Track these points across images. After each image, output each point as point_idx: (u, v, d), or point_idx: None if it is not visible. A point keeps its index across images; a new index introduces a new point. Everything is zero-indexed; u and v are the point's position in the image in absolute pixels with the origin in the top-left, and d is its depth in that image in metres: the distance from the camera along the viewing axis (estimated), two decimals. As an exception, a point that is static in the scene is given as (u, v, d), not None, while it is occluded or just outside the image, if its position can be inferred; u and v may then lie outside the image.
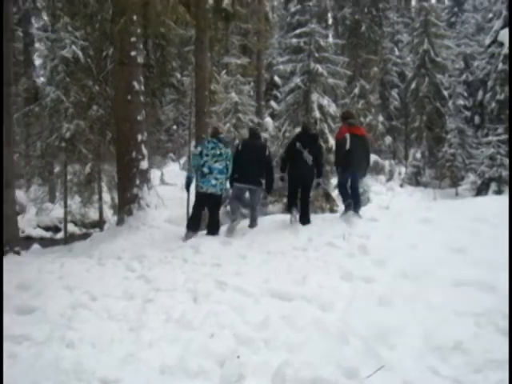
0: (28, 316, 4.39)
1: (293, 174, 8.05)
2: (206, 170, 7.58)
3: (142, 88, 8.82)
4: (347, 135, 7.68)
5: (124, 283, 5.43)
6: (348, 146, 7.64)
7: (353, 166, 7.79)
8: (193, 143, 15.25)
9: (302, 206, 8.00)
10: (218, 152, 7.64)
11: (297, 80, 15.38)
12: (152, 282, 5.42)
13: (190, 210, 7.99)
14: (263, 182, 8.01)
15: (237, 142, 8.64)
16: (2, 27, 6.60)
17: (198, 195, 7.73)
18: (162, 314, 4.48)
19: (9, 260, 6.51)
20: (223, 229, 8.10)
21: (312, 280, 5.12)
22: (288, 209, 8.23)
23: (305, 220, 7.83)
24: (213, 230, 7.76)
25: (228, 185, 8.00)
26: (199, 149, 7.77)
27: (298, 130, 13.54)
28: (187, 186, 7.95)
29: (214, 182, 7.60)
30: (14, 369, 3.47)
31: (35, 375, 3.38)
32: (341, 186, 8.08)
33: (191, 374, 3.43)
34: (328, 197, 15.43)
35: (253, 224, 8.17)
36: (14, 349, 3.73)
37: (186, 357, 3.64)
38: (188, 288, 5.14)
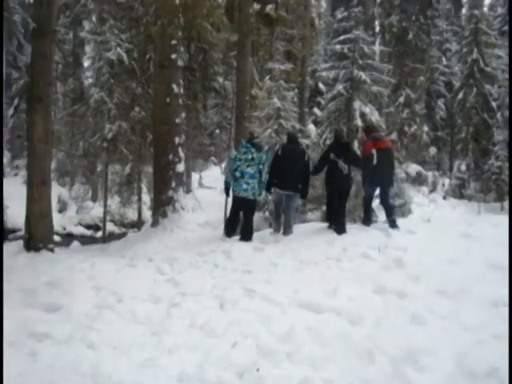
0: (53, 314, 4.41)
1: (330, 184, 8.10)
2: (238, 174, 7.68)
3: (182, 91, 8.84)
4: (374, 151, 7.81)
5: (152, 286, 5.42)
6: (375, 161, 7.75)
7: (380, 179, 7.94)
8: (233, 148, 15.28)
9: (337, 215, 7.94)
10: (250, 156, 7.68)
11: (339, 87, 15.10)
12: (180, 285, 5.39)
13: (228, 214, 8.12)
14: (301, 187, 8.00)
15: (277, 147, 8.72)
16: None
17: (234, 199, 7.86)
18: (186, 319, 4.42)
19: (42, 257, 6.61)
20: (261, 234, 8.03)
21: (343, 292, 4.97)
22: (327, 219, 8.30)
23: (340, 229, 7.72)
24: (246, 235, 7.74)
25: (263, 190, 8.02)
26: (234, 153, 7.90)
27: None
28: (226, 190, 8.03)
29: (245, 186, 7.66)
30: (33, 367, 3.45)
31: (53, 375, 3.36)
32: (367, 200, 8.23)
33: (209, 385, 3.33)
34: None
35: (287, 231, 8.07)
36: (36, 347, 3.73)
37: (205, 366, 3.54)
38: (215, 294, 5.07)
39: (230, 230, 7.83)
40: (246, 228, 7.84)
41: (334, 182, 7.99)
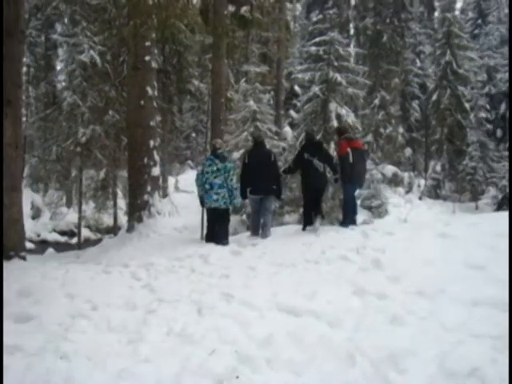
0: (24, 324, 4.26)
1: (306, 184, 8.21)
2: (207, 186, 7.93)
3: (156, 93, 8.75)
4: (349, 150, 8.03)
5: (128, 292, 5.30)
6: (351, 160, 7.99)
7: (357, 178, 8.22)
8: (209, 151, 15.16)
9: (314, 211, 8.10)
10: (215, 168, 7.92)
11: (315, 89, 15.15)
12: (157, 291, 5.30)
13: (206, 222, 8.25)
14: (275, 188, 8.20)
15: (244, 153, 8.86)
16: (1, 27, 6.53)
17: (207, 211, 8.11)
18: (163, 327, 4.32)
19: (13, 265, 6.41)
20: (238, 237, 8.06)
21: (322, 295, 4.92)
22: (304, 220, 8.33)
23: (316, 221, 7.96)
24: (221, 240, 7.75)
25: (238, 197, 8.24)
26: (200, 168, 8.20)
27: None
28: (201, 203, 8.22)
29: (215, 196, 7.89)
30: (4, 381, 3.31)
31: (24, 389, 3.22)
32: (352, 200, 8.37)
33: (187, 394, 3.24)
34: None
35: (265, 232, 8.10)
36: (6, 360, 3.58)
37: (183, 374, 3.45)
38: (193, 299, 4.99)
39: (210, 240, 7.90)
40: (221, 234, 7.90)
41: (310, 181, 8.13)
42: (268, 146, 9.21)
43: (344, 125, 9.88)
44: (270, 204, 8.33)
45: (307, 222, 8.18)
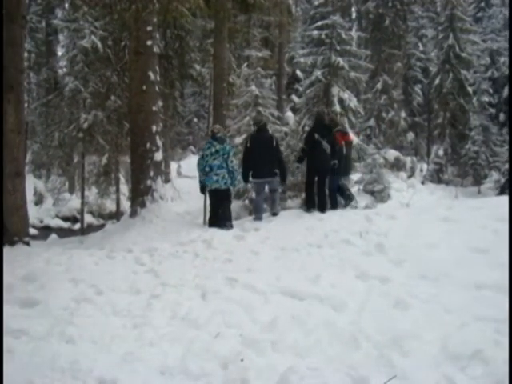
0: (30, 309, 4.27)
1: (313, 164, 8.27)
2: (207, 168, 7.99)
3: (158, 78, 8.68)
4: (343, 143, 8.56)
5: (132, 277, 5.30)
6: (344, 152, 8.55)
7: (349, 170, 8.85)
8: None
9: (320, 195, 8.24)
10: (214, 150, 7.96)
11: (317, 73, 15.05)
12: (161, 276, 5.30)
13: (208, 208, 8.22)
14: (278, 171, 8.30)
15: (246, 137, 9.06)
16: (2, 12, 6.48)
17: (209, 193, 8.10)
18: (167, 311, 4.34)
19: (18, 251, 6.42)
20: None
21: (325, 279, 4.95)
22: (307, 203, 8.40)
23: (323, 207, 8.10)
24: (225, 223, 7.78)
25: (239, 179, 8.43)
26: (200, 153, 8.33)
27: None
28: (202, 190, 8.24)
29: (215, 177, 7.93)
30: (10, 365, 3.32)
31: (30, 372, 3.25)
32: (335, 191, 8.56)
33: (192, 377, 3.26)
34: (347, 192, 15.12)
35: (274, 207, 8.47)
36: (12, 344, 3.60)
37: (187, 357, 3.47)
38: (197, 284, 5.01)
39: (213, 224, 7.86)
40: (224, 216, 7.92)
41: (316, 162, 8.17)
42: (270, 131, 9.27)
43: (335, 118, 10.00)
44: (276, 185, 8.51)
45: (311, 203, 8.23)
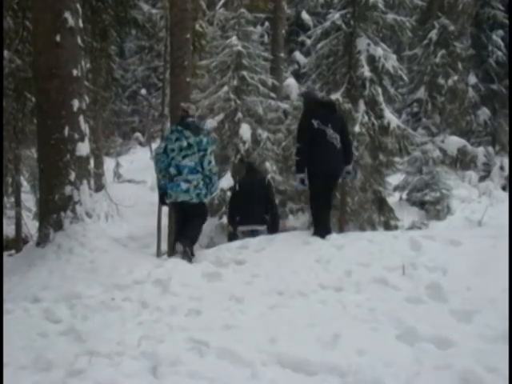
0: None
1: (317, 167, 8.12)
2: (172, 170, 8.02)
3: (81, 24, 8.45)
4: None
5: (38, 343, 5.22)
6: None
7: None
8: (169, 120, 14.91)
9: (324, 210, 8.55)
10: (185, 143, 7.98)
11: (335, 16, 14.92)
12: (86, 340, 5.26)
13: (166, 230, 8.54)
14: (268, 219, 10.01)
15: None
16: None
17: (173, 208, 8.46)
18: (94, 401, 4.28)
19: None
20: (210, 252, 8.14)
21: (349, 341, 4.94)
22: (316, 225, 8.40)
23: (322, 231, 8.05)
24: (184, 241, 7.81)
25: (217, 186, 8.70)
26: (163, 145, 8.29)
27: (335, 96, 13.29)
28: (161, 198, 8.43)
29: (184, 186, 7.98)
30: None
31: None
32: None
33: None
34: (382, 205, 14.87)
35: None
36: None
37: None
38: (144, 351, 4.95)
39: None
40: (186, 236, 7.92)
41: (325, 162, 8.04)
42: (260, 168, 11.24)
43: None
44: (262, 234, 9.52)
45: (321, 225, 8.21)
